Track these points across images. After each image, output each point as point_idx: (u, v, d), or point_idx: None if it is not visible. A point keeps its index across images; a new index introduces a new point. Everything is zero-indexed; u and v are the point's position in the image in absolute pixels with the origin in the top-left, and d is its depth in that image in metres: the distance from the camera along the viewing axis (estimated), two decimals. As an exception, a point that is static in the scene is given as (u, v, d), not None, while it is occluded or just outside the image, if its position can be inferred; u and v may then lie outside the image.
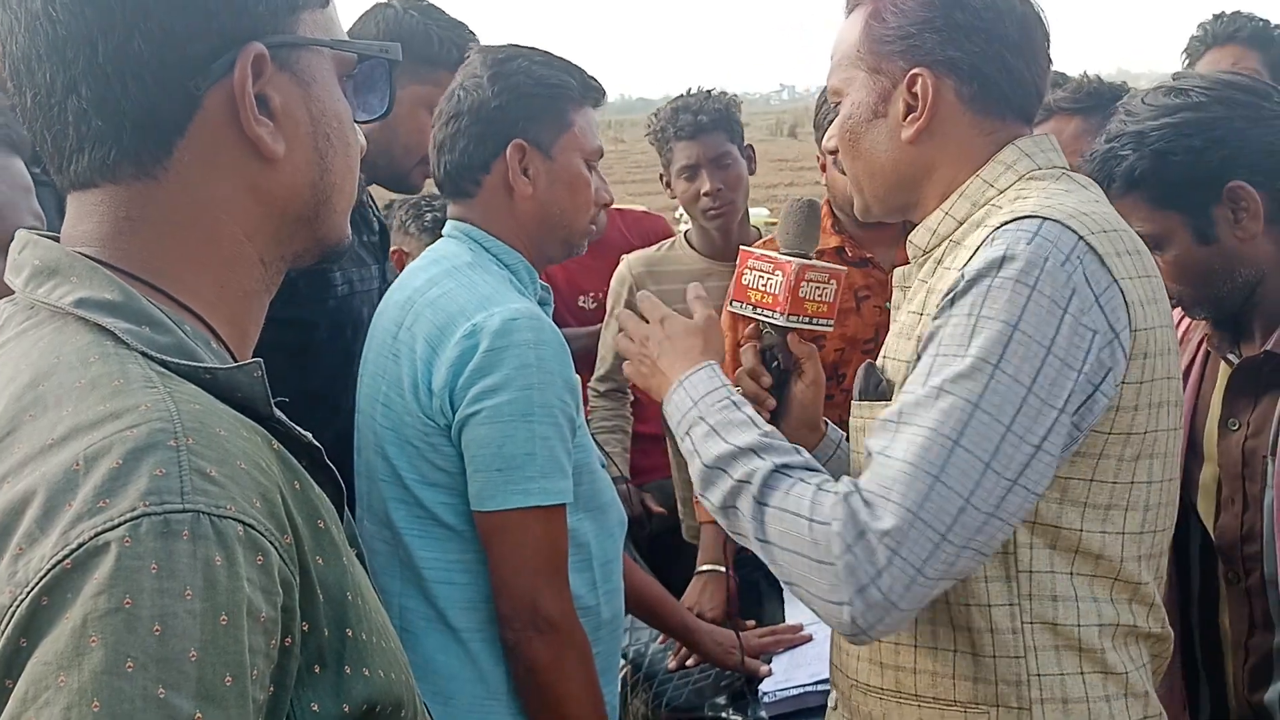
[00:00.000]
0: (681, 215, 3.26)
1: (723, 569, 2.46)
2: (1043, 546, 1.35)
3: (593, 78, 1.84)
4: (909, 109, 1.43)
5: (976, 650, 1.38)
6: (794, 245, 1.62)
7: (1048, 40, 1.47)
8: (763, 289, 1.60)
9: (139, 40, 0.83)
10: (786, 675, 2.09)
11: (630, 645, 2.41)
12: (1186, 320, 1.84)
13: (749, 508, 1.35)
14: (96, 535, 0.69)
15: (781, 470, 1.35)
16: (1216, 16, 2.93)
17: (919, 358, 1.34)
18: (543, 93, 1.78)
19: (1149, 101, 1.68)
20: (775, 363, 1.63)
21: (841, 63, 1.50)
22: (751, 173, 3.05)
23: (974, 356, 1.27)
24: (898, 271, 1.55)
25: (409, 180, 2.22)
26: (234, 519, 0.72)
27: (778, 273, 1.58)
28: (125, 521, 0.69)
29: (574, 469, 1.72)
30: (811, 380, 1.63)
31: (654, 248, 3.15)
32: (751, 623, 2.36)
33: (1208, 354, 1.80)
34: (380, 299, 2.08)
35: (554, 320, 3.39)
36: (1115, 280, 1.30)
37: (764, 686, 2.07)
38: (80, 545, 0.69)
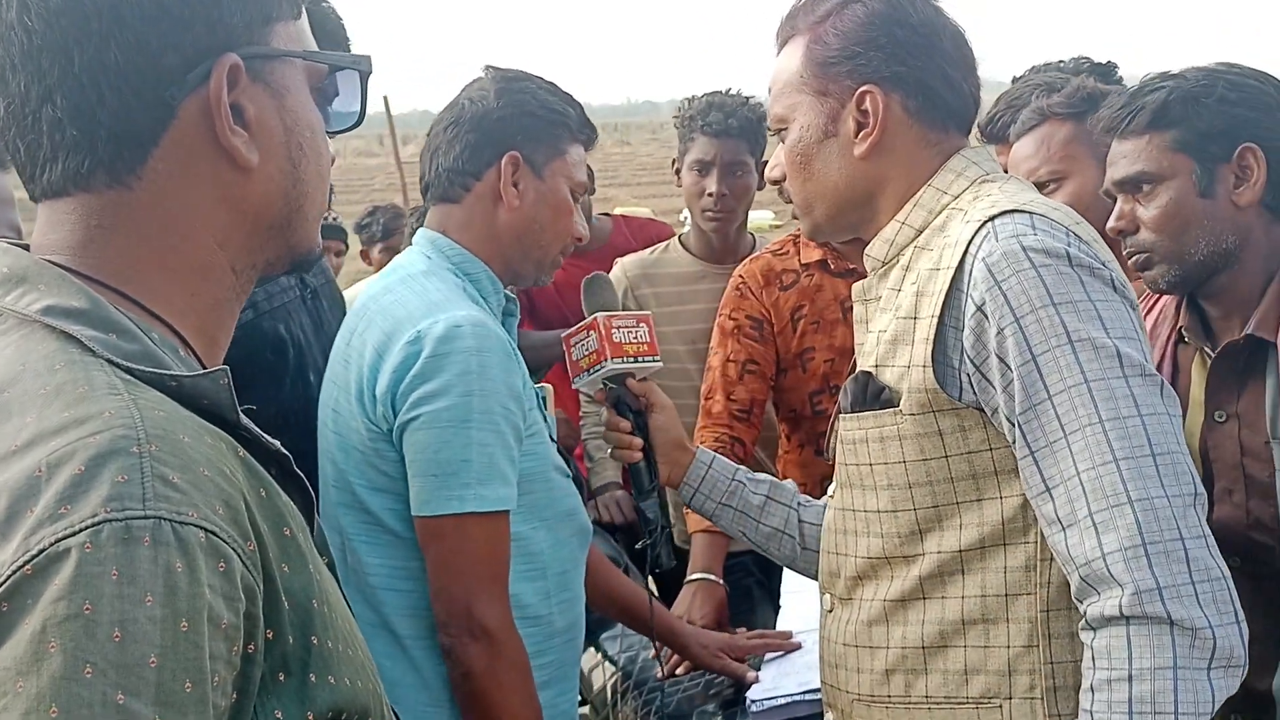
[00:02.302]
0: (685, 218, 3.27)
1: (713, 577, 2.47)
2: None
3: (590, 120, 1.91)
4: (860, 126, 1.47)
5: (990, 643, 1.40)
6: (597, 309, 1.84)
7: (974, 56, 1.53)
8: (587, 353, 1.81)
9: (115, 50, 0.83)
10: (775, 684, 2.08)
11: (621, 652, 2.42)
12: (1155, 314, 1.87)
13: None
14: (57, 541, 0.69)
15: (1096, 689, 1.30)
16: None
17: (979, 373, 1.36)
18: (544, 115, 1.84)
19: (1204, 69, 1.75)
20: (628, 410, 1.83)
21: (784, 91, 1.53)
22: (760, 187, 3.06)
23: (1084, 338, 1.30)
24: (857, 286, 1.57)
25: None
26: (196, 525, 0.73)
27: (591, 332, 1.81)
28: (86, 527, 0.70)
29: (524, 477, 1.74)
30: (661, 407, 1.83)
31: (648, 250, 3.17)
32: (743, 629, 2.36)
33: (1176, 349, 1.81)
34: (306, 309, 2.09)
35: (556, 324, 3.40)
36: (1104, 264, 1.35)
37: (751, 695, 2.07)
38: (41, 551, 0.69)
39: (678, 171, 3.04)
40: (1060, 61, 2.59)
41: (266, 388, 2.02)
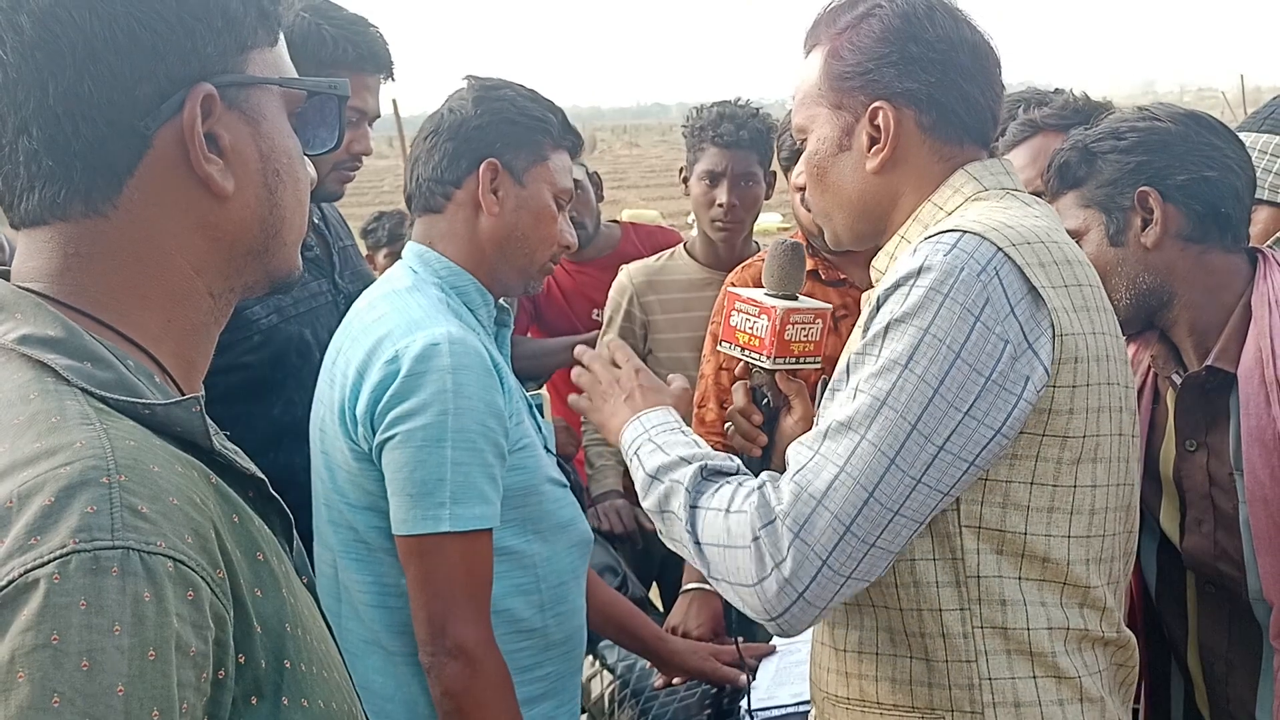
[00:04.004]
0: (694, 221, 3.28)
1: (709, 587, 2.46)
2: (990, 551, 1.37)
3: (573, 126, 1.88)
4: (872, 141, 1.49)
5: (930, 655, 1.40)
6: (779, 287, 1.66)
7: (999, 66, 1.52)
8: (750, 331, 1.64)
9: (89, 82, 0.84)
10: (770, 694, 2.09)
11: (619, 661, 2.42)
12: (1137, 341, 1.87)
13: (682, 510, 1.42)
14: (26, 572, 0.70)
15: (712, 474, 1.44)
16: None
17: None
18: (523, 121, 1.82)
19: (1112, 117, 1.82)
20: (765, 400, 1.68)
21: (804, 101, 1.54)
22: (768, 197, 3.07)
23: (886, 358, 1.32)
24: (865, 295, 1.58)
25: (324, 187, 2.21)
26: (164, 555, 0.74)
27: (763, 317, 1.62)
28: (55, 558, 0.71)
29: (514, 491, 1.73)
30: (801, 416, 1.68)
31: (653, 257, 3.17)
32: (741, 639, 2.35)
33: (1157, 377, 1.83)
34: (337, 314, 2.07)
35: (563, 331, 3.38)
36: (1035, 289, 1.33)
37: (745, 705, 2.08)
38: (10, 582, 0.70)
39: (685, 180, 3.04)
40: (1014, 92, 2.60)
41: (294, 390, 2.04)
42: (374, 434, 1.68)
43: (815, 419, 1.50)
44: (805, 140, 1.56)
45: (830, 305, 1.71)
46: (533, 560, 1.78)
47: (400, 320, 1.72)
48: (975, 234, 1.35)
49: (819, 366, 1.69)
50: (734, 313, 1.67)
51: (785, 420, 1.68)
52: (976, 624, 1.38)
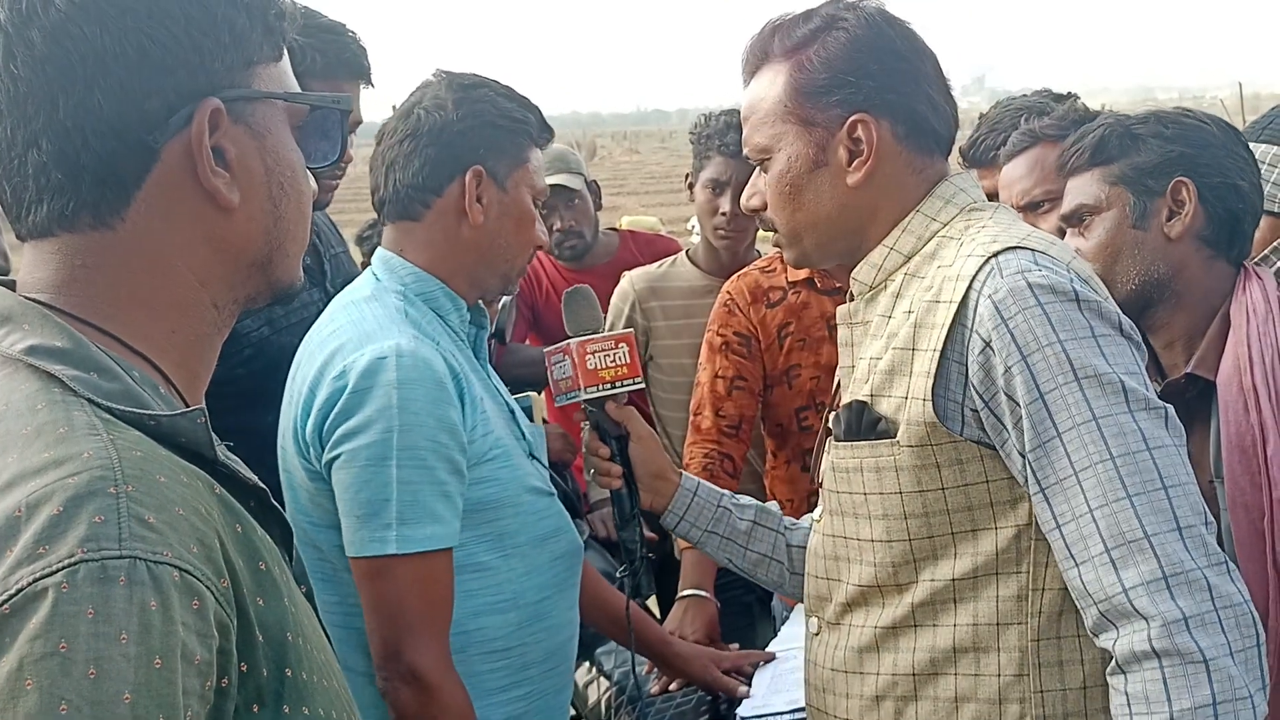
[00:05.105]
0: (694, 227, 3.29)
1: (704, 593, 2.48)
2: (1056, 564, 1.37)
3: (548, 122, 1.84)
4: (852, 155, 1.47)
5: (981, 671, 1.40)
6: (579, 329, 1.79)
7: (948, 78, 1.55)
8: (564, 375, 1.77)
9: (99, 97, 0.85)
10: (765, 700, 2.09)
11: (615, 667, 2.43)
12: None
13: None
14: (35, 581, 0.72)
15: None
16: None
17: (988, 409, 1.36)
18: (506, 124, 1.76)
19: (1153, 109, 1.86)
20: (608, 434, 1.79)
21: (765, 120, 1.51)
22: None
23: (1090, 375, 1.31)
24: (842, 309, 1.57)
25: None
26: (170, 564, 0.75)
27: (566, 357, 1.77)
28: (63, 568, 0.72)
29: (485, 505, 1.69)
30: (639, 437, 1.78)
31: (655, 265, 3.18)
32: (735, 646, 2.37)
33: None
34: None
35: (562, 337, 3.38)
36: (1106, 298, 1.38)
37: (741, 712, 2.08)
38: (19, 590, 0.71)
39: (690, 186, 3.05)
40: (1024, 95, 2.61)
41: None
42: (323, 452, 1.64)
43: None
44: (766, 162, 1.52)
45: (630, 330, 1.85)
46: (507, 576, 1.72)
47: (353, 333, 1.66)
48: (1042, 252, 1.37)
49: (640, 387, 1.82)
50: (551, 367, 1.81)
51: (633, 449, 1.78)
52: (1034, 637, 1.39)
